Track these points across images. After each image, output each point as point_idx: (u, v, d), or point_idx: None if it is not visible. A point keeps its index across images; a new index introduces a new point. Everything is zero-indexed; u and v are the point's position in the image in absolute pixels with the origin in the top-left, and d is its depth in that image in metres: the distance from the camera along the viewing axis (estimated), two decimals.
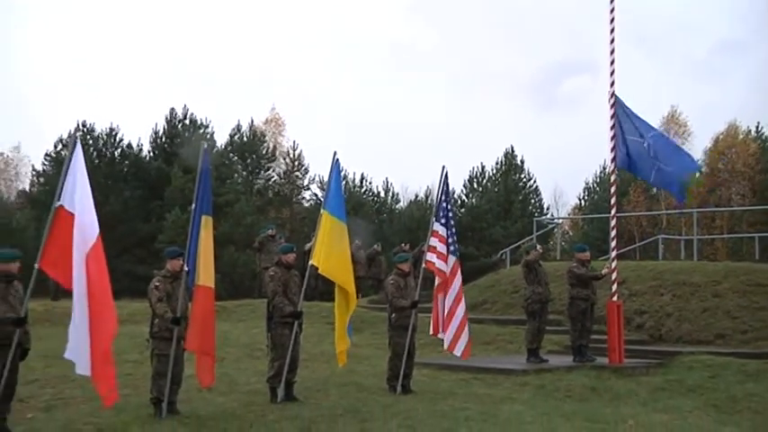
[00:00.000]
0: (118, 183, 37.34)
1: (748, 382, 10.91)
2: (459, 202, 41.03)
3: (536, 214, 39.31)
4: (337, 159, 9.47)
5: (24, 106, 62.03)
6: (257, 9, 68.51)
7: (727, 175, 39.67)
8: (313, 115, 64.10)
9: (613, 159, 12.66)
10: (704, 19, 64.74)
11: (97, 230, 6.92)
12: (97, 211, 7.07)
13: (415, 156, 63.67)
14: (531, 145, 74.49)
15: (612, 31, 12.53)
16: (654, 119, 40.06)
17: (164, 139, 39.46)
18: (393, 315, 9.91)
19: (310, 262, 9.18)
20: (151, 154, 39.60)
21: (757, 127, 41.14)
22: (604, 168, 39.42)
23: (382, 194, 43.32)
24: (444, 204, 10.64)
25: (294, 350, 8.94)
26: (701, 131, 65.83)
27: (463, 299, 10.41)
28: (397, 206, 43.40)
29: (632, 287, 15.86)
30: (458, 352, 10.28)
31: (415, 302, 9.88)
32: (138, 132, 47.89)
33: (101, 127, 38.58)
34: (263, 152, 40.91)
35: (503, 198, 40.71)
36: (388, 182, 43.63)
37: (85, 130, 37.73)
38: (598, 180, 42.16)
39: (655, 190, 34.96)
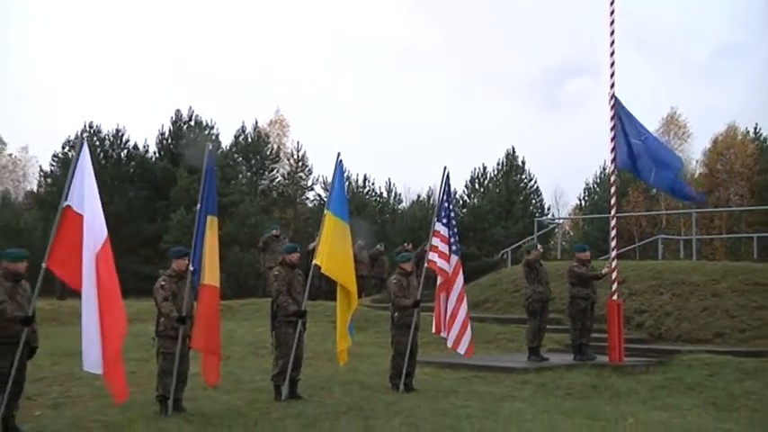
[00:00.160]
0: (124, 183, 37.52)
1: (746, 380, 10.96)
2: (461, 202, 41.08)
3: (537, 214, 39.29)
4: (341, 160, 9.53)
5: (31, 107, 62.27)
6: (258, 10, 68.69)
7: (726, 176, 39.70)
8: (314, 115, 64.25)
9: (613, 160, 12.72)
10: (704, 22, 64.69)
11: (106, 231, 7.03)
12: (103, 212, 7.17)
13: (417, 156, 63.85)
14: (531, 146, 74.41)
15: (613, 33, 12.60)
16: (653, 120, 40.29)
17: (169, 141, 39.65)
18: (396, 314, 9.99)
19: (314, 261, 9.28)
20: (157, 155, 39.79)
21: (756, 128, 41.22)
22: (604, 169, 39.46)
23: (385, 195, 43.38)
24: (446, 204, 10.69)
25: (298, 348, 9.03)
26: (700, 133, 65.53)
27: (465, 298, 10.49)
28: (399, 206, 43.37)
29: (632, 286, 15.91)
30: (461, 350, 10.34)
31: (417, 301, 9.96)
32: (144, 134, 48.14)
33: (107, 128, 39.03)
34: (268, 153, 40.98)
35: (504, 198, 40.71)
36: (390, 182, 43.72)
37: (92, 131, 38.03)
38: (598, 181, 42.16)
39: (654, 191, 34.99)
